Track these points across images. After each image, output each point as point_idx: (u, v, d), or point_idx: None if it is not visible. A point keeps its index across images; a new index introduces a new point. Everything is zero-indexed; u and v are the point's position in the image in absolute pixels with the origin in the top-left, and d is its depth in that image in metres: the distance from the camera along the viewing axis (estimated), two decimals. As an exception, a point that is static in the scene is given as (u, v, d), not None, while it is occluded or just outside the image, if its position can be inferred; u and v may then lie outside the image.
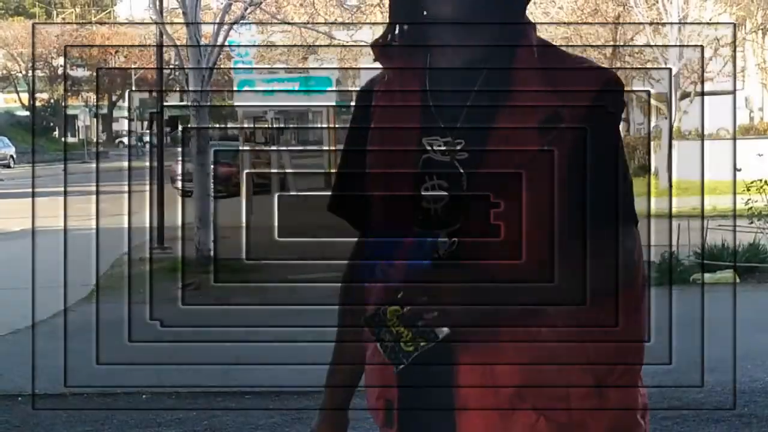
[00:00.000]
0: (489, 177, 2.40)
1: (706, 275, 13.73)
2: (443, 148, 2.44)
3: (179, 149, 55.26)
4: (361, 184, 2.59)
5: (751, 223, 14.99)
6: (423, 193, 2.43)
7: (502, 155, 2.40)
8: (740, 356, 9.37)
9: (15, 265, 17.78)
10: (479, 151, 2.43)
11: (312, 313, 12.45)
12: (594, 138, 2.42)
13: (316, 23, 36.18)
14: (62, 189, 39.04)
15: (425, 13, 2.47)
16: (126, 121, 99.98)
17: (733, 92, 54.31)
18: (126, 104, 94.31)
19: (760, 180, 15.47)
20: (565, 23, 37.58)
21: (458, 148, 2.43)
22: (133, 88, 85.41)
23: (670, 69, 30.98)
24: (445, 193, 2.42)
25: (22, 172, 57.77)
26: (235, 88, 31.45)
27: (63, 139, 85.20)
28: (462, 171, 2.42)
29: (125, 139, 71.21)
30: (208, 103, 17.27)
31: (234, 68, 34.42)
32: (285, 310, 13.04)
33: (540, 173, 2.39)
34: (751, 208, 14.98)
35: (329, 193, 2.78)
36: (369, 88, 2.66)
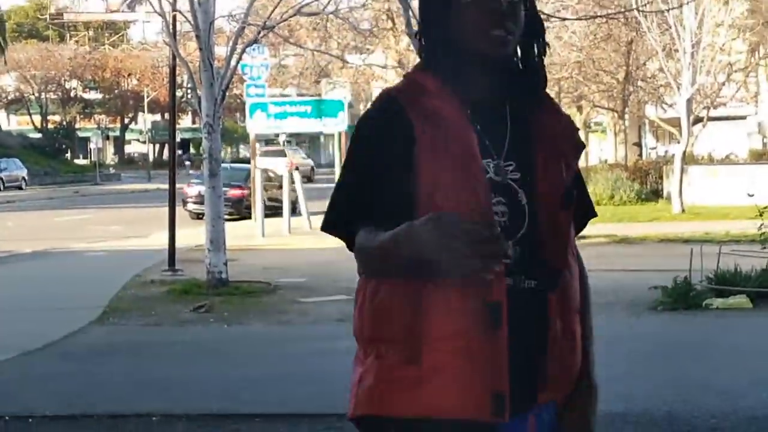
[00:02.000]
0: (546, 192, 2.82)
1: (719, 300, 13.67)
2: (494, 169, 2.80)
3: (191, 171, 55.46)
4: (404, 204, 2.74)
5: (764, 248, 14.93)
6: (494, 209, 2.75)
7: (548, 173, 2.84)
8: (754, 383, 9.32)
9: (26, 286, 17.82)
10: (528, 171, 2.82)
11: (323, 337, 12.44)
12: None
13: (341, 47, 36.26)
14: (76, 209, 39.21)
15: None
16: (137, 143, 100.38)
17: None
18: (137, 126, 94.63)
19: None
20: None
21: (509, 169, 2.82)
22: (145, 111, 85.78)
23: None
24: (506, 209, 2.77)
25: (34, 194, 57.90)
26: (247, 111, 31.44)
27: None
28: (518, 189, 2.81)
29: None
30: (221, 126, 17.27)
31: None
32: (297, 333, 13.04)
33: (575, 186, 2.95)
34: (763, 233, 14.91)
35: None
36: (399, 110, 2.82)
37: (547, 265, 2.81)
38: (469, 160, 2.75)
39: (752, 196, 16.60)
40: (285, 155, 72.99)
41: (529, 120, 2.87)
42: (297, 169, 29.80)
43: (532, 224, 2.80)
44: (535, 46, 2.92)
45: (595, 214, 3.12)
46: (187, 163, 69.56)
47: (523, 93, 2.89)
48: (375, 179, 2.80)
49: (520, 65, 2.91)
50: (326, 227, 2.90)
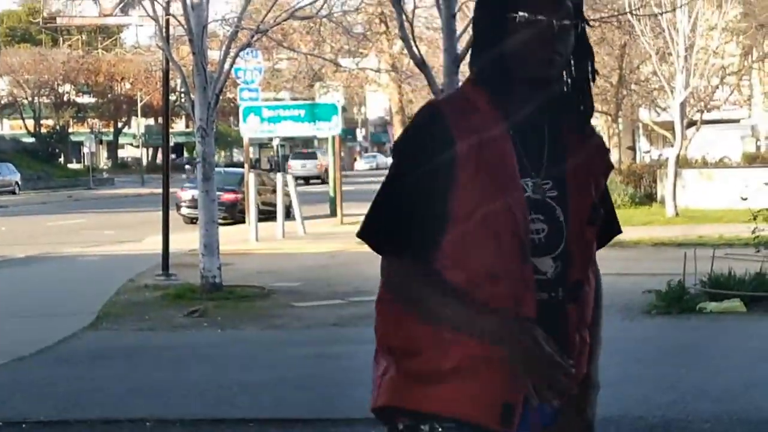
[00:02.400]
0: (578, 209, 2.95)
1: (712, 304, 13.67)
2: (532, 187, 2.91)
3: (184, 176, 55.43)
4: (438, 218, 2.88)
5: (758, 251, 14.93)
6: (532, 226, 2.88)
7: (580, 191, 2.96)
8: (748, 386, 9.32)
9: (19, 292, 17.78)
10: (563, 189, 2.95)
11: (317, 341, 12.43)
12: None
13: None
14: (70, 214, 39.16)
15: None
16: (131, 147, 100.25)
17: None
18: (131, 130, 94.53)
19: (767, 209, 15.41)
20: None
21: (547, 187, 2.93)
22: (139, 115, 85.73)
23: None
24: (545, 226, 2.90)
25: (27, 199, 57.82)
26: (240, 115, 31.45)
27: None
28: (556, 206, 2.93)
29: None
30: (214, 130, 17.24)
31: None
32: (291, 338, 13.03)
33: (603, 204, 3.07)
34: (757, 237, 14.91)
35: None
36: (441, 124, 2.90)
37: (572, 278, 2.95)
38: (508, 179, 2.86)
39: (746, 199, 16.56)
40: (316, 157, 73.23)
41: (565, 139, 2.98)
42: (326, 170, 29.71)
43: (567, 240, 2.93)
44: (584, 69, 3.01)
45: (619, 231, 3.27)
46: (188, 167, 69.01)
47: (568, 115, 3.00)
48: (416, 193, 2.88)
49: (567, 87, 2.99)
50: (365, 235, 2.98)
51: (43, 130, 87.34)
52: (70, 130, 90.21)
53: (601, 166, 3.07)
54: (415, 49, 14.37)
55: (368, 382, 3.09)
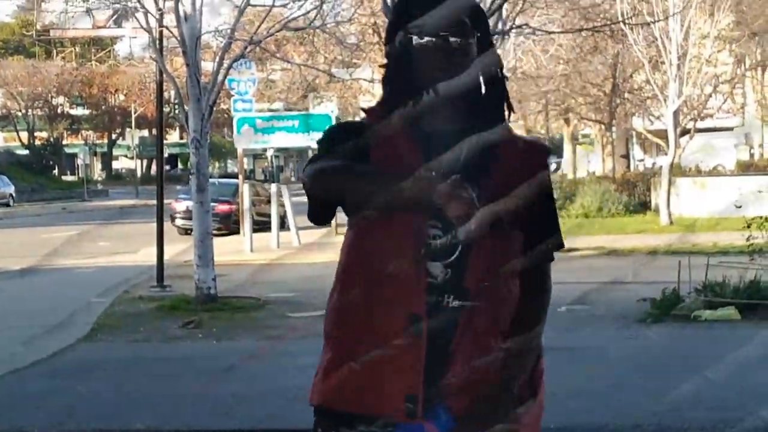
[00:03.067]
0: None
1: (707, 312, 13.68)
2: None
3: (178, 187, 55.38)
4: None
5: (752, 259, 14.95)
6: (430, 231, 3.06)
7: (493, 198, 3.04)
8: (743, 394, 9.34)
9: (14, 304, 17.76)
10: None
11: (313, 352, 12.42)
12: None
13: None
14: (64, 226, 39.11)
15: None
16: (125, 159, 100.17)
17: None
18: (125, 142, 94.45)
19: (761, 217, 15.42)
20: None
21: None
22: (133, 127, 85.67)
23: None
24: (441, 233, 3.06)
25: (22, 211, 57.76)
26: (234, 126, 31.46)
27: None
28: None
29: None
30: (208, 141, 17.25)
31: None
32: (286, 348, 13.01)
33: (529, 214, 3.15)
34: (752, 244, 14.92)
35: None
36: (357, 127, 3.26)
37: (466, 286, 3.08)
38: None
39: (740, 207, 16.60)
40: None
41: (484, 148, 3.12)
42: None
43: (463, 248, 3.07)
44: (494, 77, 3.21)
45: (561, 245, 3.31)
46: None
47: (485, 121, 3.16)
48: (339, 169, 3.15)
49: (479, 97, 3.19)
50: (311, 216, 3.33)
51: (37, 143, 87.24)
52: (64, 142, 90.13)
53: (527, 170, 3.16)
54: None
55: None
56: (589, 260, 20.88)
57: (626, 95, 42.46)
